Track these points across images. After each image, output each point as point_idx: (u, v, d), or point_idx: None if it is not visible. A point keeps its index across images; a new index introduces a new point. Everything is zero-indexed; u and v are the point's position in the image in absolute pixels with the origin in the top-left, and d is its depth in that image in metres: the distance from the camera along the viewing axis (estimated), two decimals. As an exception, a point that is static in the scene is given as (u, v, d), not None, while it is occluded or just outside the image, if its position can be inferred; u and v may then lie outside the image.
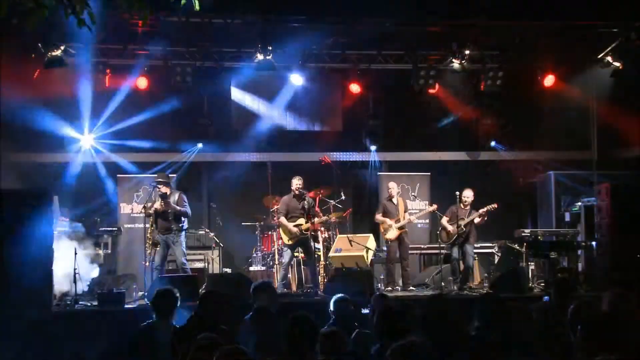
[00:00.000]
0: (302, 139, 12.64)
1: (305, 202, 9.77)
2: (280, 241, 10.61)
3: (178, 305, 5.38)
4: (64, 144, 11.72)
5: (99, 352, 7.19)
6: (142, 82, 11.29)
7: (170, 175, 10.45)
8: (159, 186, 9.50)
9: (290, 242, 9.77)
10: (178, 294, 5.44)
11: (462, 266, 10.22)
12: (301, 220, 9.75)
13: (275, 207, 10.69)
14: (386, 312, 4.52)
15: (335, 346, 4.25)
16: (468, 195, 10.13)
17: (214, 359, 3.47)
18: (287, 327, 4.14)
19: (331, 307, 5.83)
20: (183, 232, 9.60)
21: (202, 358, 3.74)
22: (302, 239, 9.74)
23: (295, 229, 9.68)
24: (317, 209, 10.60)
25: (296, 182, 9.83)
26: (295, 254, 10.29)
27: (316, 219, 9.94)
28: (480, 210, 10.06)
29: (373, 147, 12.56)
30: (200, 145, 12.22)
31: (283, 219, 9.80)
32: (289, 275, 10.49)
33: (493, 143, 12.34)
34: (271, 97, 12.20)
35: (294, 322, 4.16)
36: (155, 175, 9.98)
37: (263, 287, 5.96)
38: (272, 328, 5.25)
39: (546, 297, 5.84)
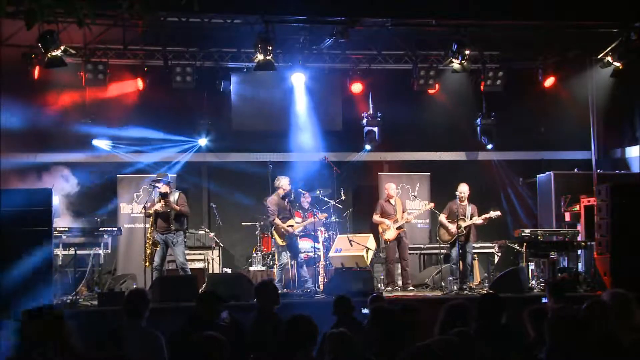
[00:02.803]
0: (302, 139, 12.63)
1: (289, 203, 9.86)
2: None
3: (149, 306, 5.31)
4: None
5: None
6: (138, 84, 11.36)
7: (170, 175, 10.44)
8: (159, 185, 9.51)
9: (284, 244, 9.80)
10: (150, 296, 5.39)
11: (461, 265, 10.24)
12: (291, 222, 9.84)
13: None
14: (380, 314, 4.51)
15: (345, 347, 4.23)
16: (463, 190, 10.17)
17: None
18: (287, 328, 4.14)
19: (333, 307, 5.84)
20: (183, 232, 9.62)
21: None
22: (292, 240, 9.85)
23: (290, 229, 9.74)
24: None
25: (286, 183, 9.87)
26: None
27: (297, 219, 10.12)
28: (484, 216, 10.10)
29: (368, 147, 12.54)
30: (201, 143, 12.21)
31: (278, 220, 9.81)
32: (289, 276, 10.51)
33: (490, 146, 12.32)
34: (271, 97, 12.19)
35: (294, 323, 4.15)
36: (155, 175, 9.97)
37: (265, 287, 5.96)
38: (273, 327, 5.25)
39: (544, 299, 5.84)
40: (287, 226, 9.74)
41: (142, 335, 4.98)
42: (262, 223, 11.41)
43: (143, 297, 5.29)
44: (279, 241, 9.81)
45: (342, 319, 5.66)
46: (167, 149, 12.24)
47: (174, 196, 9.57)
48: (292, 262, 10.16)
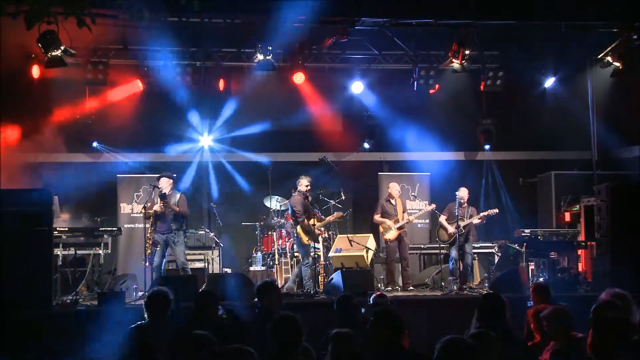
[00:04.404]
0: (302, 139, 12.64)
1: (309, 202, 9.86)
2: (280, 241, 10.67)
3: (172, 306, 5.32)
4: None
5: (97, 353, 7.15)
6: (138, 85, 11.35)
7: (172, 175, 10.44)
8: (159, 186, 9.54)
9: (309, 242, 9.77)
10: (172, 295, 5.39)
11: (461, 266, 10.26)
12: (312, 221, 9.80)
13: (276, 207, 10.85)
14: (382, 313, 4.48)
15: (348, 348, 4.20)
16: (463, 195, 10.25)
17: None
18: (271, 328, 4.13)
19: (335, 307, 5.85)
20: (182, 232, 9.63)
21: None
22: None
23: (316, 230, 9.77)
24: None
25: (306, 183, 9.84)
26: (296, 254, 10.33)
27: (330, 217, 10.16)
28: (481, 214, 10.18)
29: (367, 145, 12.56)
30: (204, 143, 12.24)
31: (306, 221, 9.79)
32: (289, 275, 10.52)
33: (487, 147, 12.34)
34: (271, 97, 12.19)
35: (279, 323, 4.14)
36: (158, 175, 9.97)
37: (267, 287, 5.94)
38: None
39: (530, 303, 5.86)
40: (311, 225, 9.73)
41: (165, 336, 4.98)
42: (262, 223, 11.41)
43: (165, 298, 5.31)
44: (305, 240, 9.74)
45: (345, 319, 5.65)
46: (168, 149, 12.26)
47: (175, 197, 9.61)
48: (293, 262, 10.19)
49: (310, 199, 9.88)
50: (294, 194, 10.04)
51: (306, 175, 10.03)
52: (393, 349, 4.11)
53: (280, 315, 4.21)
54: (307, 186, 9.82)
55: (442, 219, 10.37)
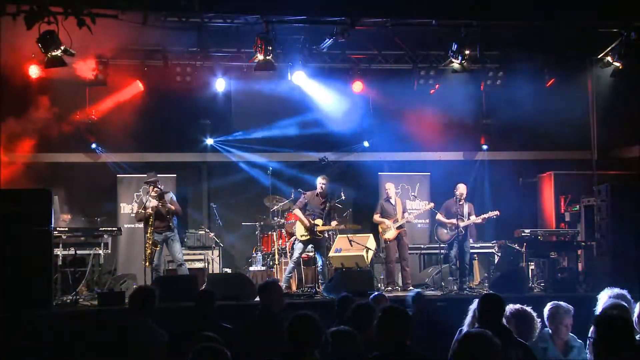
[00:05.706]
0: (302, 139, 12.65)
1: (328, 204, 9.84)
2: (280, 241, 10.66)
3: (156, 304, 5.30)
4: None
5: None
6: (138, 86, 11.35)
7: (170, 175, 10.47)
8: (159, 185, 9.61)
9: (303, 238, 9.81)
10: (157, 293, 5.38)
11: (459, 264, 10.27)
12: (319, 221, 9.81)
13: (276, 207, 10.82)
14: (390, 311, 4.44)
15: (352, 347, 4.17)
16: (462, 191, 10.26)
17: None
18: (289, 326, 4.07)
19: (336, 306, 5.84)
20: (176, 229, 9.74)
21: None
22: (316, 238, 9.82)
23: (305, 220, 9.76)
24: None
25: (320, 181, 9.96)
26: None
27: (333, 223, 10.04)
28: (482, 216, 10.18)
29: (366, 144, 12.56)
30: (207, 142, 12.28)
31: (297, 211, 9.91)
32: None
33: (485, 147, 12.34)
34: (271, 98, 12.19)
35: (296, 321, 4.09)
36: (146, 175, 9.97)
37: (268, 287, 5.93)
38: (276, 328, 5.22)
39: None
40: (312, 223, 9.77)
41: (149, 333, 4.98)
42: (262, 223, 11.41)
43: (149, 295, 5.31)
44: (299, 233, 9.85)
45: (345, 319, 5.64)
46: (168, 149, 12.27)
47: (168, 196, 9.78)
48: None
49: (323, 198, 9.94)
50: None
51: (322, 174, 10.19)
52: (399, 349, 4.10)
53: (301, 315, 4.10)
54: (320, 184, 9.98)
55: (440, 217, 10.40)
